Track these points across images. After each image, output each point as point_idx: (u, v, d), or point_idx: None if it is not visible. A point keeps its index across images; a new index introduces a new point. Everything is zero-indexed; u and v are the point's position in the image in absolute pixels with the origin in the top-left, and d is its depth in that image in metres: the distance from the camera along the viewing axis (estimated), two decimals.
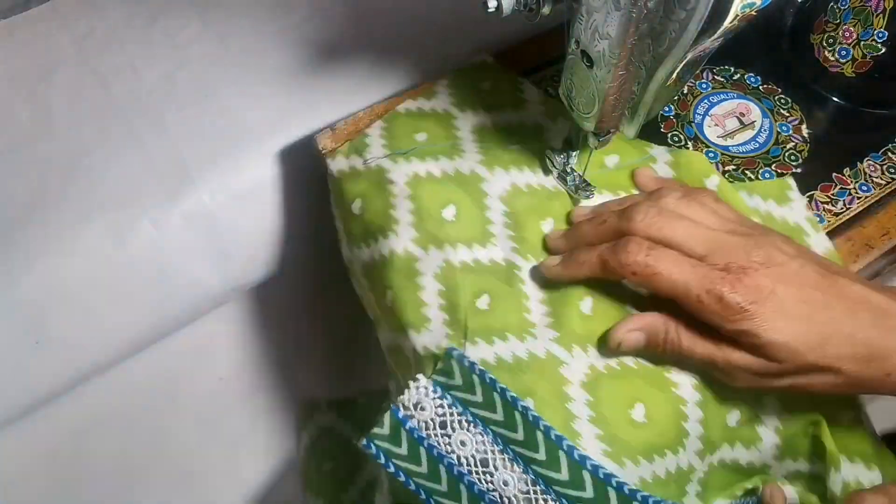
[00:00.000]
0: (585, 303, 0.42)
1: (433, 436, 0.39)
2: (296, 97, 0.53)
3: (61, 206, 0.49)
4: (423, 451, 0.39)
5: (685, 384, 0.40)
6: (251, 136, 0.52)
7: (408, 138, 0.49)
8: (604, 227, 0.41)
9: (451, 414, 0.40)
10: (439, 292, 0.43)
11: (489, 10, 0.37)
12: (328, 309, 0.67)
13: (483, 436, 0.39)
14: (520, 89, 0.53)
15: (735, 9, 0.30)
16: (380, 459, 0.39)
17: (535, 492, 0.37)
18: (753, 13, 0.32)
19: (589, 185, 0.46)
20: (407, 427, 0.40)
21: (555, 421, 0.38)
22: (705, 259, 0.38)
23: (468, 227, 0.45)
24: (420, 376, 0.41)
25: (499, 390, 0.39)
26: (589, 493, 0.36)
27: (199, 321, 0.59)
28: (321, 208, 0.52)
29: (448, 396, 0.40)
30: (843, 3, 0.53)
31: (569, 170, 0.46)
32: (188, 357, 0.62)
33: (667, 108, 0.53)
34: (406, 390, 0.40)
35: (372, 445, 0.39)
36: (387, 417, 0.40)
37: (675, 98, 0.53)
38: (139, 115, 0.52)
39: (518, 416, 0.38)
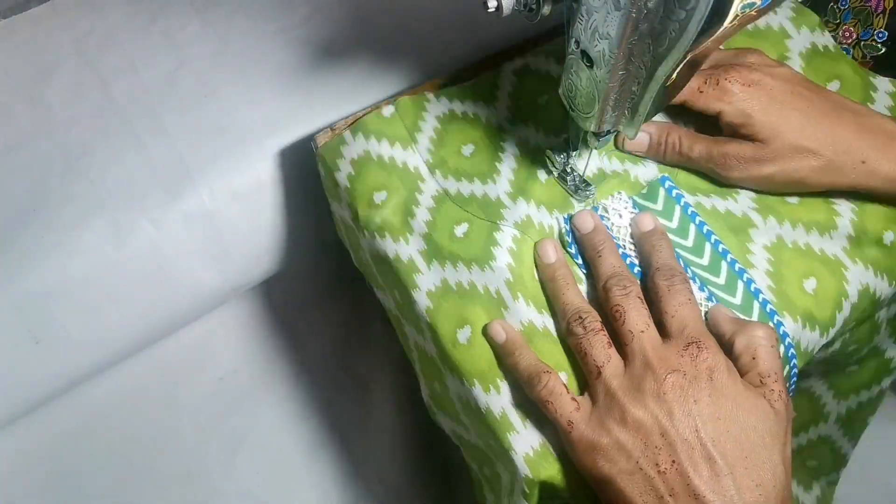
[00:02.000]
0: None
1: (623, 241, 0.45)
2: (296, 97, 0.53)
3: (61, 205, 0.49)
4: None
5: (854, 281, 0.45)
6: (251, 136, 0.52)
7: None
8: None
9: None
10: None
11: (489, 10, 0.37)
12: (328, 308, 0.67)
13: None
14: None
15: (735, 9, 0.30)
16: (568, 238, 0.45)
17: (706, 305, 0.42)
18: (753, 13, 0.32)
19: (589, 185, 0.46)
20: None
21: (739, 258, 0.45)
22: (710, 67, 0.45)
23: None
24: (623, 192, 0.46)
25: (697, 223, 0.45)
26: (754, 317, 0.43)
27: (199, 321, 0.59)
28: (321, 208, 0.53)
29: None
30: (843, 3, 0.54)
31: (569, 170, 0.46)
32: (188, 357, 0.62)
33: None
34: (610, 197, 0.46)
35: (567, 220, 0.45)
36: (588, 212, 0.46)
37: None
38: (139, 115, 0.52)
39: (708, 247, 0.45)
